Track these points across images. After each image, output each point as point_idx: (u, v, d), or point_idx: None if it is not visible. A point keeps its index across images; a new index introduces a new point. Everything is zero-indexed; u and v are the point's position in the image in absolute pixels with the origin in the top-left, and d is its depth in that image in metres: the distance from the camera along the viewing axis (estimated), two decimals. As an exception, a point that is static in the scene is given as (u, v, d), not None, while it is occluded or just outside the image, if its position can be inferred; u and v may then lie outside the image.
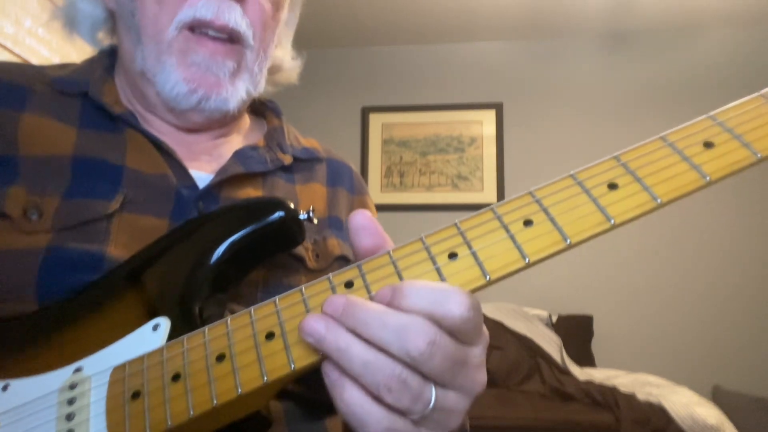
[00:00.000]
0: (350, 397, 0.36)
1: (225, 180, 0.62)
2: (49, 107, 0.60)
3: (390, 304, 0.37)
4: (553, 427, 2.21)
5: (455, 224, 0.40)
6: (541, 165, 3.27)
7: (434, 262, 0.39)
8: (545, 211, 0.39)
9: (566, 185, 0.41)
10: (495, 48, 3.45)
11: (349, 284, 0.41)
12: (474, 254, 0.39)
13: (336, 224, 0.70)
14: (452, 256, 0.39)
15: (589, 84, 3.32)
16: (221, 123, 0.68)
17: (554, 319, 2.93)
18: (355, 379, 0.36)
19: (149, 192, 0.58)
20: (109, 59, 0.69)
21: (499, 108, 3.36)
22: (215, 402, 0.39)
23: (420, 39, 3.44)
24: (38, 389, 0.45)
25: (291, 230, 0.52)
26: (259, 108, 0.79)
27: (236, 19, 0.61)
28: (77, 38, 0.71)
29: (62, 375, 0.45)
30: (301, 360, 0.39)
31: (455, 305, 0.36)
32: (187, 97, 0.61)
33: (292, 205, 0.52)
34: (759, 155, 0.37)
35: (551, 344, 2.69)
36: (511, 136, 3.34)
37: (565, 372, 2.55)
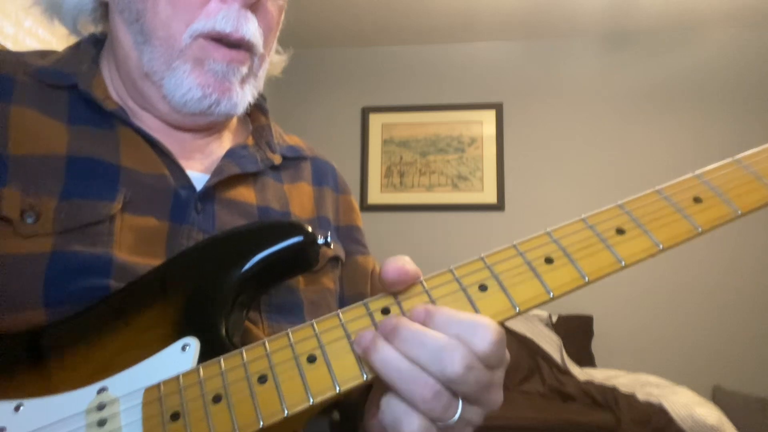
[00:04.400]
0: (390, 404, 0.41)
1: (221, 180, 0.62)
2: (35, 100, 0.58)
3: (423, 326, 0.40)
4: (553, 427, 2.21)
5: (481, 258, 0.44)
6: (541, 165, 3.27)
7: (466, 293, 0.43)
8: (563, 249, 0.44)
9: (579, 228, 0.45)
10: (495, 48, 3.45)
11: (385, 311, 0.44)
12: (503, 287, 0.43)
13: (324, 224, 0.71)
14: (482, 288, 0.43)
15: (589, 84, 3.31)
16: (221, 125, 0.68)
17: (554, 319, 2.93)
18: (395, 390, 0.40)
19: (147, 192, 0.57)
20: (95, 49, 0.66)
21: (499, 108, 3.36)
22: (262, 424, 0.40)
23: (420, 39, 3.44)
24: (60, 410, 0.43)
25: (308, 254, 0.53)
26: None
27: (253, 31, 0.60)
28: (74, 38, 0.68)
29: (85, 395, 0.43)
30: (346, 382, 0.41)
31: (480, 340, 0.39)
32: (198, 102, 0.60)
33: (310, 230, 0.52)
34: (739, 212, 0.45)
35: (551, 344, 2.69)
36: (511, 136, 3.34)
37: (565, 372, 2.55)
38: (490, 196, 3.28)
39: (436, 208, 3.32)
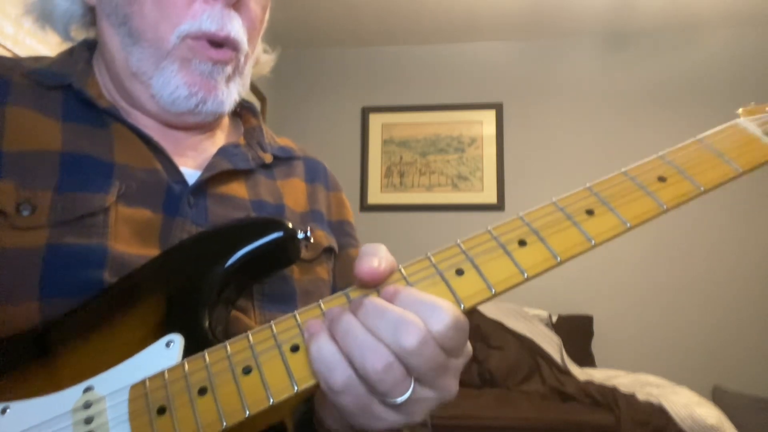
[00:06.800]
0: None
1: (213, 176, 0.63)
2: (30, 99, 0.59)
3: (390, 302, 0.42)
4: (553, 427, 2.21)
5: (457, 244, 0.46)
6: (541, 165, 3.27)
7: (443, 277, 0.44)
8: (536, 232, 0.45)
9: (550, 211, 0.47)
10: (495, 48, 3.45)
11: None
12: (478, 269, 0.44)
13: (318, 218, 0.73)
14: (459, 272, 0.44)
15: (589, 84, 3.32)
16: (211, 124, 0.69)
17: (554, 319, 2.93)
18: (349, 359, 0.40)
19: (141, 186, 0.58)
20: (88, 52, 0.68)
21: (499, 108, 3.36)
22: (248, 412, 0.40)
23: (420, 39, 3.45)
24: (47, 411, 0.43)
25: (289, 249, 0.54)
26: (234, 108, 0.81)
27: (237, 29, 0.62)
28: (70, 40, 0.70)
29: (72, 395, 0.44)
30: None
31: (437, 320, 0.40)
32: (186, 101, 0.61)
33: (290, 225, 0.53)
34: (702, 188, 0.46)
35: (551, 344, 2.69)
36: (511, 136, 3.34)
37: (565, 372, 2.55)
38: (490, 196, 3.28)
39: (436, 208, 3.32)
